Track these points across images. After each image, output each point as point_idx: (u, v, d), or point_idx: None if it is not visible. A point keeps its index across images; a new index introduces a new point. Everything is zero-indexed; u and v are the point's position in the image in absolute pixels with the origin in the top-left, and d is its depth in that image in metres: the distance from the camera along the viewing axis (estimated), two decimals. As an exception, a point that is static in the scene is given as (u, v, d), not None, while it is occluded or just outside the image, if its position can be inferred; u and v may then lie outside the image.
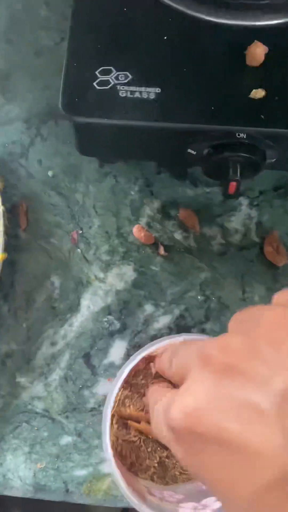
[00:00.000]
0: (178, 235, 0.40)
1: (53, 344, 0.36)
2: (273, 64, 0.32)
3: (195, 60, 0.33)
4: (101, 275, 0.38)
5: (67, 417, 0.35)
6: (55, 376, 0.36)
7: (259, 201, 0.40)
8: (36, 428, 0.35)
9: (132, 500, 0.26)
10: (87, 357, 0.36)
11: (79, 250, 0.39)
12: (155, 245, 0.39)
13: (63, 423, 0.35)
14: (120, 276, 0.38)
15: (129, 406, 0.31)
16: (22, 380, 0.36)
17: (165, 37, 0.33)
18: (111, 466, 0.27)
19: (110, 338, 0.37)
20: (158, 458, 0.31)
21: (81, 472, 0.34)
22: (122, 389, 0.31)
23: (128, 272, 0.38)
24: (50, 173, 0.41)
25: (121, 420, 0.31)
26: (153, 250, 0.39)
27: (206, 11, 0.33)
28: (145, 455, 0.31)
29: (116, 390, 0.28)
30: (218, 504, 0.27)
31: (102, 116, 0.31)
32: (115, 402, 0.30)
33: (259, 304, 0.37)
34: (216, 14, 0.33)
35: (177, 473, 0.31)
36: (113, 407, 0.30)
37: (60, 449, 0.34)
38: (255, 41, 0.32)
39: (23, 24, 0.46)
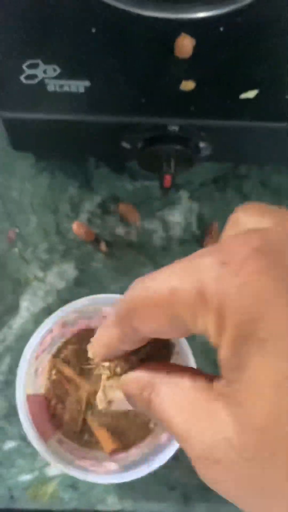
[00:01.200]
0: (119, 230, 0.39)
1: (-8, 348, 0.35)
2: (201, 56, 0.32)
3: (125, 52, 0.32)
4: (41, 274, 0.37)
5: (9, 422, 0.34)
6: (-4, 380, 0.35)
7: (199, 194, 0.40)
8: (-23, 436, 0.34)
9: (30, 435, 0.28)
10: (28, 359, 0.35)
11: (16, 249, 0.37)
12: (96, 241, 0.39)
13: (5, 428, 0.34)
14: (61, 275, 0.37)
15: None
16: None
17: (94, 30, 0.33)
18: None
19: (52, 338, 0.36)
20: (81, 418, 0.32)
21: (25, 477, 0.33)
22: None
23: (69, 270, 0.38)
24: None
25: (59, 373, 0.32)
26: (94, 246, 0.39)
27: (131, 3, 0.33)
28: (70, 407, 0.31)
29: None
30: (114, 466, 0.29)
31: (30, 111, 0.30)
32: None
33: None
34: (142, 7, 0.33)
35: (93, 440, 0.32)
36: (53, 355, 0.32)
37: (3, 455, 0.33)
38: (182, 33, 0.31)
39: None
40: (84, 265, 0.38)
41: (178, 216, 0.40)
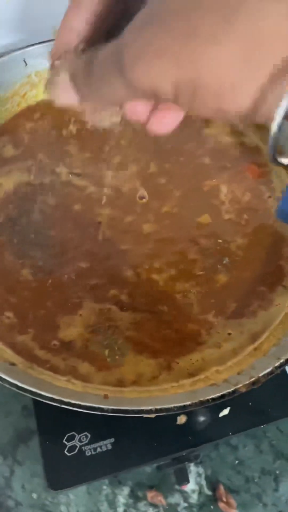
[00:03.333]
0: (150, 514, 0.50)
1: None
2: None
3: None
4: None
5: None
6: None
7: (200, 459, 0.52)
8: None
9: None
10: None
11: None
12: (136, 531, 0.48)
13: None
14: None
15: None
16: None
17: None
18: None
19: None
20: None
21: None
22: None
23: None
24: (34, 495, 0.49)
25: None
26: (136, 535, 0.48)
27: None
28: None
29: None
30: None
31: (79, 483, 0.42)
32: None
33: None
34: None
35: None
36: None
37: None
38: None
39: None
40: None
41: (192, 483, 0.51)
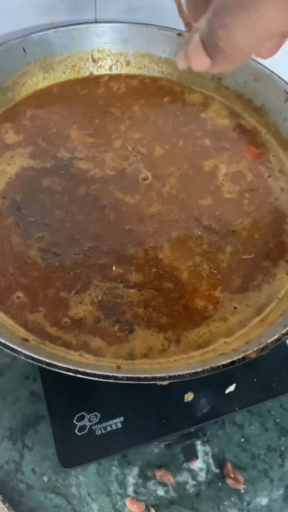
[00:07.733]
0: (160, 491, 0.50)
1: None
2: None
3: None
4: None
5: None
6: None
7: (207, 437, 0.53)
8: None
9: None
10: None
11: None
12: (146, 509, 0.49)
13: None
14: None
15: None
16: None
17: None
18: None
19: None
20: None
21: None
22: None
23: None
24: (45, 478, 0.50)
25: None
26: (146, 515, 0.49)
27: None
28: None
29: None
30: None
31: (90, 461, 0.42)
32: None
33: (238, 527, 0.49)
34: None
35: None
36: None
37: None
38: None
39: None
40: (144, 532, 0.48)
41: (199, 461, 0.52)
